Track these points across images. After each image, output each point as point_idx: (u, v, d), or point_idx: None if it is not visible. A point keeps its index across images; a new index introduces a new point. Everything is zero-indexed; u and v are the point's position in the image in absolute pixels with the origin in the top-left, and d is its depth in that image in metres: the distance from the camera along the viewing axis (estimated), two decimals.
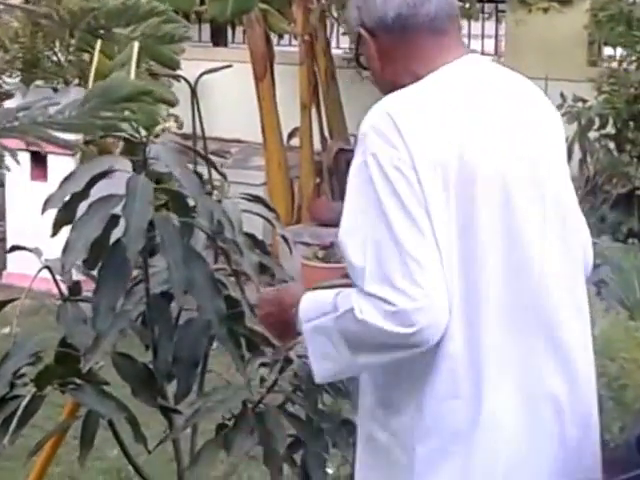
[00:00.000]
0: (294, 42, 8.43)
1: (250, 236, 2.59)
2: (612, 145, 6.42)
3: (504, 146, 1.98)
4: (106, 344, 2.35)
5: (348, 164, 7.61)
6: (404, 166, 1.88)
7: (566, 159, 2.15)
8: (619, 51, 7.04)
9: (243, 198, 2.67)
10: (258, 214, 2.70)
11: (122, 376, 2.52)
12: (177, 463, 2.59)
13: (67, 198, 2.31)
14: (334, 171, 7.82)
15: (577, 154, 6.55)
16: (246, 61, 7.27)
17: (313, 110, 7.69)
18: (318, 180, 7.77)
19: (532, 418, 1.95)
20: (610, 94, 6.21)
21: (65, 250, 2.25)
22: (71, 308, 2.49)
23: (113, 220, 2.30)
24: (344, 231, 1.94)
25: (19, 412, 2.36)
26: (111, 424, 2.57)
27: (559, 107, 6.45)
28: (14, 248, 2.60)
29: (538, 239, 1.97)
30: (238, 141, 8.34)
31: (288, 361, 2.33)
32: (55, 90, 6.32)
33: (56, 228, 2.36)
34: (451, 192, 1.90)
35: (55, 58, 6.46)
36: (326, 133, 7.88)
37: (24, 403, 2.37)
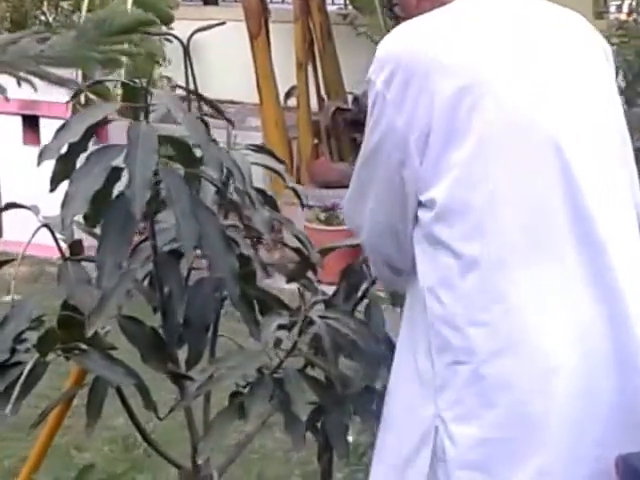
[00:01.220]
0: None
1: (259, 191, 2.43)
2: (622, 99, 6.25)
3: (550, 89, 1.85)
4: (112, 305, 2.19)
5: (346, 124, 7.51)
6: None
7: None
8: (627, 1, 6.87)
9: (248, 149, 2.51)
10: (266, 166, 2.54)
11: (130, 340, 2.36)
12: (190, 432, 2.44)
13: (64, 149, 2.14)
14: (332, 131, 7.66)
15: None
16: (240, 19, 7.08)
17: (310, 69, 7.52)
18: (316, 141, 7.60)
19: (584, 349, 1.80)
20: (619, 46, 6.03)
21: (64, 204, 2.08)
22: (72, 268, 2.32)
23: (115, 172, 2.13)
24: None
25: (21, 379, 2.20)
26: (119, 391, 2.42)
27: None
28: (10, 206, 2.43)
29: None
30: (232, 102, 8.15)
31: (309, 323, 2.16)
32: None
33: (54, 182, 2.19)
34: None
35: (43, 18, 6.28)
36: (323, 92, 7.71)
37: (27, 370, 2.21)
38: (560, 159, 1.80)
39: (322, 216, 6.52)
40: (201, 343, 2.40)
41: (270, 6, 7.55)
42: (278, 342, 2.39)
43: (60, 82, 1.51)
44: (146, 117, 2.19)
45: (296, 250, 2.60)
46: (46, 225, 2.37)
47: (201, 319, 2.37)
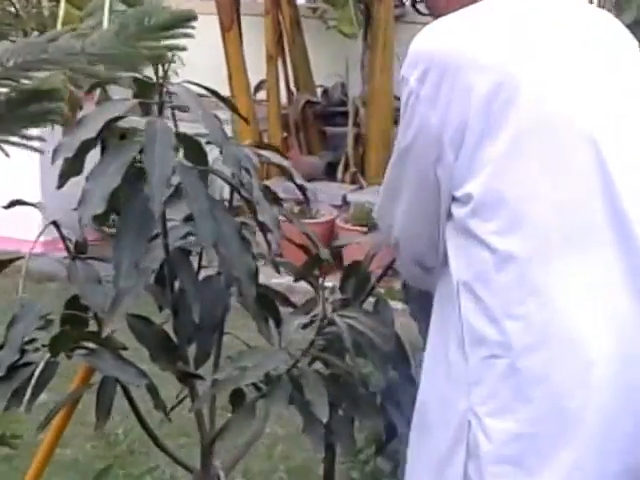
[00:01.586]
0: None
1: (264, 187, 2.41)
2: None
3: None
4: (126, 305, 2.15)
5: (316, 117, 7.47)
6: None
7: None
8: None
9: (251, 145, 2.48)
10: (271, 162, 2.51)
11: (139, 339, 2.33)
12: (200, 432, 2.40)
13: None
14: (301, 124, 7.63)
15: None
16: (212, 13, 7.02)
17: (280, 62, 7.49)
18: (285, 134, 7.57)
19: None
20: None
21: (81, 202, 2.04)
22: (82, 266, 2.28)
23: (131, 168, 2.10)
24: None
25: (33, 380, 2.16)
26: (126, 392, 2.39)
27: None
28: (14, 203, 2.38)
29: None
30: (200, 95, 8.09)
31: (328, 322, 2.13)
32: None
33: (63, 179, 2.15)
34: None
35: (12, 9, 6.17)
36: (292, 85, 7.69)
37: (39, 370, 2.17)
38: (596, 155, 1.79)
39: (295, 209, 6.49)
40: (210, 341, 2.37)
41: None
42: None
43: (112, 81, 1.47)
44: (160, 113, 2.16)
45: (302, 247, 2.58)
46: (54, 222, 2.33)
47: (210, 317, 2.35)
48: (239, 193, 2.24)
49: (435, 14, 1.97)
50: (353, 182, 7.21)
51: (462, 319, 1.84)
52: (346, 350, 2.09)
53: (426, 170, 1.86)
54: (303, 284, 2.97)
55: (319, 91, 7.75)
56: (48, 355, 2.22)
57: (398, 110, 6.93)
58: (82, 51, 1.43)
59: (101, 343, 2.25)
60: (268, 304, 2.43)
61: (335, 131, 7.54)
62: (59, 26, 5.08)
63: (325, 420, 2.04)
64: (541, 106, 1.80)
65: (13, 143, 1.25)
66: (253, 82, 7.33)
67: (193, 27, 1.54)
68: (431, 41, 1.85)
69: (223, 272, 2.29)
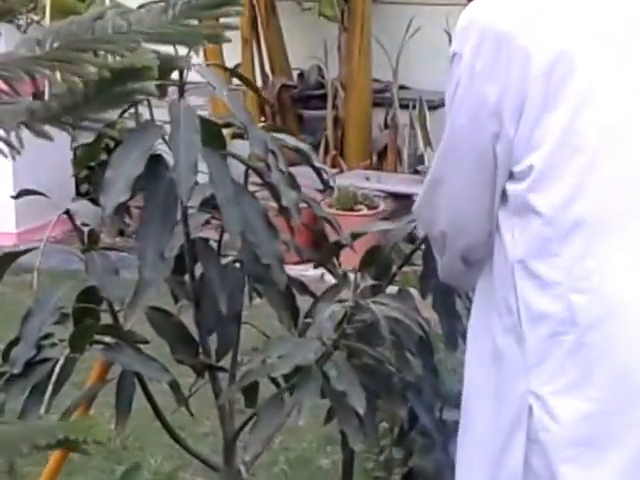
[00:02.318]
0: None
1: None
2: None
3: None
4: (149, 297, 2.06)
5: (292, 101, 7.37)
6: None
7: None
8: None
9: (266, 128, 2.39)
10: (287, 146, 2.42)
11: (158, 332, 2.24)
12: (222, 427, 2.32)
13: None
14: (277, 108, 7.53)
15: None
16: None
17: (255, 46, 7.38)
18: (263, 118, 7.46)
19: None
20: None
21: (104, 191, 1.94)
22: (99, 258, 2.18)
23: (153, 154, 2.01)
24: None
25: (54, 377, 2.06)
26: (144, 387, 2.30)
27: None
28: (24, 193, 2.27)
29: None
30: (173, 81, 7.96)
31: (359, 308, 2.05)
32: None
33: (79, 166, 2.06)
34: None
35: None
36: (268, 69, 7.57)
37: (58, 367, 2.07)
38: None
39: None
40: (232, 332, 2.29)
41: None
42: (304, 330, 2.30)
43: (170, 60, 1.37)
44: (181, 95, 2.07)
45: (318, 232, 2.50)
46: (67, 212, 2.23)
47: (231, 307, 2.26)
48: (261, 177, 2.15)
49: None
50: (333, 166, 7.12)
51: (519, 300, 1.77)
52: (381, 338, 2.00)
53: (483, 149, 1.79)
54: (311, 271, 2.90)
55: (295, 74, 7.64)
56: (67, 350, 2.12)
57: (377, 92, 6.89)
58: (130, 30, 1.33)
59: (121, 337, 2.16)
60: (285, 292, 2.35)
61: (312, 114, 7.44)
62: (47, 11, 4.96)
63: (362, 411, 1.96)
64: (602, 74, 1.75)
65: (85, 127, 1.15)
66: (230, 65, 7.20)
67: (241, 4, 1.45)
68: (482, 12, 1.78)
69: (244, 260, 2.21)
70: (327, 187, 2.48)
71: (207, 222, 2.21)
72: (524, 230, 1.77)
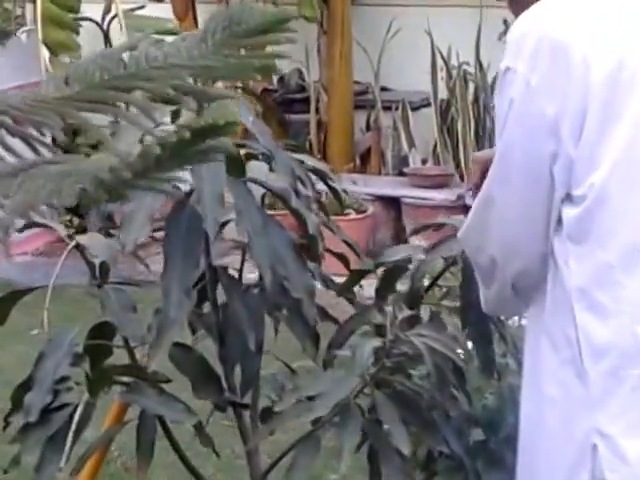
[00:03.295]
0: None
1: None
2: None
3: None
4: (173, 335, 1.94)
5: (276, 104, 7.17)
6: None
7: None
8: None
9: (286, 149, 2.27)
10: (308, 168, 2.30)
11: (179, 369, 2.12)
12: (250, 466, 2.19)
13: None
14: (260, 113, 7.40)
15: None
16: (165, 1, 6.76)
17: None
18: None
19: None
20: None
21: (124, 226, 1.82)
22: (115, 294, 2.05)
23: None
24: None
25: (73, 426, 1.93)
26: (163, 425, 2.17)
27: (502, 33, 6.16)
28: (30, 225, 2.13)
29: None
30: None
31: (399, 341, 1.93)
32: None
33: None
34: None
35: None
36: None
37: (78, 414, 1.94)
38: None
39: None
40: (256, 365, 2.17)
41: None
42: (330, 360, 2.19)
43: (223, 96, 1.24)
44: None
45: (340, 257, 2.38)
46: (77, 246, 2.10)
47: (243, 336, 2.13)
48: (285, 203, 2.03)
49: (518, 4, 1.79)
50: None
51: (579, 331, 1.66)
52: (428, 374, 1.89)
53: (539, 169, 1.67)
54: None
55: (275, 78, 7.52)
56: (86, 395, 1.99)
57: (358, 94, 6.74)
58: (169, 64, 1.20)
59: (140, 376, 2.03)
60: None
61: (295, 118, 7.32)
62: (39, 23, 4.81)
63: (407, 451, 1.85)
64: None
65: (152, 189, 1.02)
66: None
67: (294, 30, 1.33)
68: (535, 23, 1.67)
69: (268, 289, 2.08)
70: (342, 207, 2.36)
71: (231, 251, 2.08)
72: (582, 257, 1.65)
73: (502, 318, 2.31)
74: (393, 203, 6.30)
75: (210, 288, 2.05)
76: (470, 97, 6.30)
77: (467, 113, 6.27)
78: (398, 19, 6.54)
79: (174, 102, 1.15)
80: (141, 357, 2.16)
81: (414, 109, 6.59)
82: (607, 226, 1.62)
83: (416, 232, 2.31)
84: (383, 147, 6.83)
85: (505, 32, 6.15)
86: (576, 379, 1.66)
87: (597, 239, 1.63)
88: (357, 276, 2.31)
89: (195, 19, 6.91)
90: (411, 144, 6.60)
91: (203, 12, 7.05)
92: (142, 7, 6.94)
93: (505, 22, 6.15)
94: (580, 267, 1.65)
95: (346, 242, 2.31)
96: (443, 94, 6.40)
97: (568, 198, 1.65)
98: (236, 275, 2.15)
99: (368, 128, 7.00)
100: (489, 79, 6.33)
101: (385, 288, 2.31)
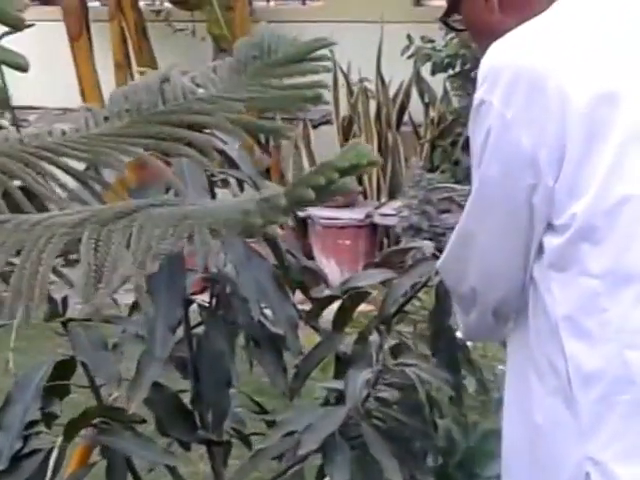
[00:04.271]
0: None
1: None
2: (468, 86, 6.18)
3: None
4: (153, 375, 1.85)
5: None
6: None
7: None
8: None
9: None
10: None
11: (150, 408, 2.03)
12: None
13: None
14: None
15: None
16: (58, 19, 6.60)
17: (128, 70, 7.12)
18: None
19: None
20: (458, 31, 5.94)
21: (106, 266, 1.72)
22: (85, 332, 1.96)
23: None
24: None
25: (49, 472, 1.83)
26: (129, 463, 2.07)
27: (406, 49, 6.19)
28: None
29: None
30: (31, 107, 7.62)
31: (386, 371, 1.89)
32: None
33: None
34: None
35: None
36: None
37: (52, 461, 1.84)
38: None
39: None
40: (227, 399, 2.09)
41: (90, 4, 7.08)
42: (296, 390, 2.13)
43: (278, 129, 1.17)
44: None
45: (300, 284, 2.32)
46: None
47: (221, 372, 2.06)
48: (265, 236, 1.96)
49: (484, 36, 1.77)
50: None
51: (567, 360, 1.64)
52: (420, 404, 1.85)
53: (518, 202, 1.65)
54: None
55: None
56: (60, 439, 1.89)
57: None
58: (216, 97, 1.14)
59: (113, 417, 1.94)
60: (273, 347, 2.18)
61: None
62: None
63: None
64: None
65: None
66: (106, 93, 6.94)
67: (328, 58, 1.28)
68: (509, 56, 1.64)
69: (241, 322, 2.02)
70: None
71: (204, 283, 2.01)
72: (566, 284, 1.64)
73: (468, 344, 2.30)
74: (299, 223, 6.27)
75: (185, 322, 1.98)
76: (372, 113, 6.31)
77: (369, 129, 6.29)
78: (300, 36, 6.51)
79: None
80: (107, 397, 2.08)
81: (315, 126, 6.57)
82: (591, 254, 1.60)
83: (386, 257, 2.26)
84: (284, 166, 6.79)
85: (408, 47, 6.19)
86: (565, 408, 1.64)
87: (581, 267, 1.61)
88: (324, 302, 2.26)
89: (90, 39, 6.76)
90: (313, 162, 6.57)
91: (97, 32, 6.92)
92: (30, 26, 6.76)
93: (409, 37, 6.18)
94: (565, 294, 1.63)
95: (309, 268, 2.26)
96: (344, 111, 6.41)
97: (550, 227, 1.64)
98: None
99: (268, 147, 6.96)
100: (391, 94, 6.36)
101: (343, 316, 2.27)
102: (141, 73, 7.18)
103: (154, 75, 1.21)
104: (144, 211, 0.89)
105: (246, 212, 0.85)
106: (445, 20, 1.89)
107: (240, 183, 1.89)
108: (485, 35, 1.77)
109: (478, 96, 1.65)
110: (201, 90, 1.22)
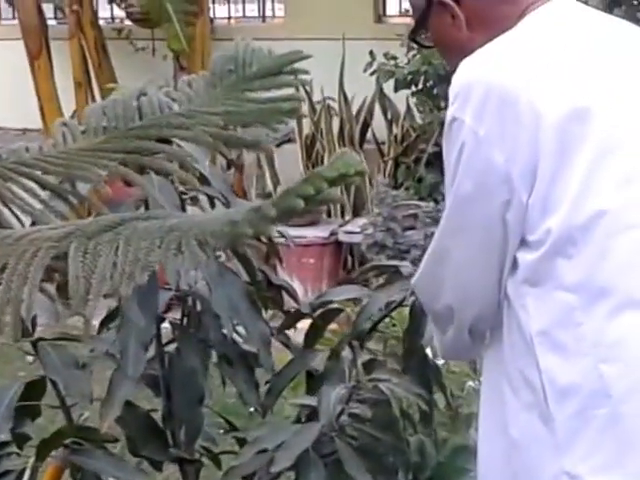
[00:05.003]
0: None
1: None
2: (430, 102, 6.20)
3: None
4: (125, 393, 1.84)
5: None
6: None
7: None
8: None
9: None
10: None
11: (123, 427, 2.01)
12: None
13: None
14: None
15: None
16: (17, 38, 6.56)
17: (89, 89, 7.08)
18: None
19: None
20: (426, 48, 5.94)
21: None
22: (54, 351, 1.94)
23: None
24: None
25: None
26: None
27: (369, 65, 6.20)
28: None
29: None
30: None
31: (360, 387, 1.89)
32: None
33: None
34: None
35: None
36: None
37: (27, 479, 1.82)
38: None
39: None
40: (200, 416, 2.08)
41: (50, 22, 7.05)
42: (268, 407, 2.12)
43: (255, 145, 1.16)
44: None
45: (273, 299, 2.32)
46: None
47: (194, 389, 2.05)
48: (236, 253, 1.96)
49: (452, 53, 1.78)
50: None
51: (542, 374, 1.64)
52: (393, 420, 1.85)
53: (492, 218, 1.65)
54: None
55: None
56: (32, 459, 1.87)
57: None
58: (194, 111, 1.13)
59: (88, 438, 1.92)
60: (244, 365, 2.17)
61: None
62: None
63: None
64: (614, 128, 1.64)
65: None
66: (67, 112, 6.90)
67: (306, 71, 1.27)
68: (481, 73, 1.64)
69: (212, 339, 2.01)
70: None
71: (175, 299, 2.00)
72: (541, 298, 1.64)
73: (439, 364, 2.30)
74: (263, 242, 6.24)
75: (157, 340, 1.96)
76: (335, 131, 6.31)
77: (333, 147, 6.28)
78: None
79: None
80: (77, 417, 2.06)
81: (278, 145, 6.56)
82: (566, 269, 1.61)
83: (363, 273, 2.25)
84: (246, 186, 6.77)
85: (371, 64, 6.20)
86: (541, 423, 1.64)
87: (556, 281, 1.62)
88: (294, 318, 2.25)
89: (49, 57, 6.72)
90: (276, 181, 6.55)
91: (57, 50, 6.89)
92: None
93: (371, 54, 6.19)
94: (540, 309, 1.64)
95: (281, 286, 2.25)
96: (307, 129, 6.40)
97: (523, 243, 1.64)
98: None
99: (229, 166, 6.93)
100: (354, 111, 6.37)
101: (315, 333, 2.26)
102: (103, 90, 7.17)
103: (131, 90, 1.20)
104: (129, 224, 0.88)
105: (234, 223, 0.84)
106: (413, 38, 1.89)
107: (211, 200, 1.88)
108: (454, 52, 1.77)
109: (450, 114, 1.65)
110: (175, 106, 1.21)
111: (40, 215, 1.00)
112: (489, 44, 1.69)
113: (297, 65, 1.27)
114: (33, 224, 1.51)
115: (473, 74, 1.65)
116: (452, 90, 1.66)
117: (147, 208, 1.81)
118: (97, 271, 0.84)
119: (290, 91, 1.24)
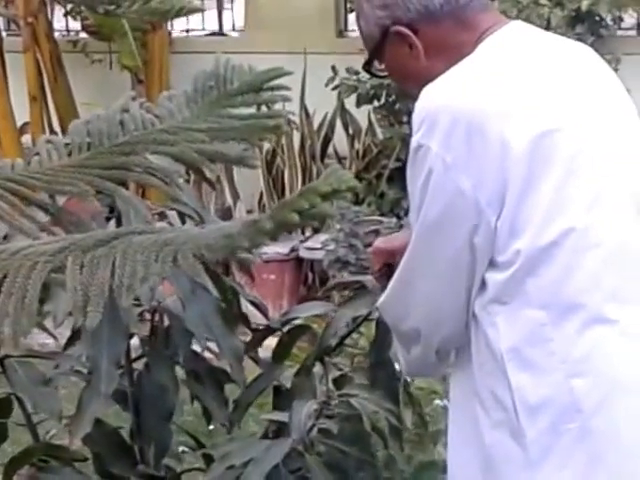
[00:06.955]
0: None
1: None
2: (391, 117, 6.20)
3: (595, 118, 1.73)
4: (95, 409, 1.82)
5: None
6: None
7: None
8: None
9: None
10: None
11: (92, 445, 1.99)
12: None
13: None
14: None
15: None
16: None
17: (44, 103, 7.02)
18: None
19: None
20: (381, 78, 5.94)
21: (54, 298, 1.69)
22: (21, 368, 1.92)
23: None
24: None
25: None
26: None
27: (331, 80, 6.19)
28: None
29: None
30: None
31: (331, 402, 1.88)
32: None
33: None
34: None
35: None
36: (57, 126, 7.22)
37: None
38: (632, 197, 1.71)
39: None
40: (169, 433, 2.06)
41: (4, 34, 6.98)
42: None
43: (241, 160, 1.15)
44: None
45: (242, 316, 2.31)
46: None
47: (163, 406, 2.03)
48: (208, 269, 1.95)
49: (411, 82, 1.77)
50: None
51: (513, 392, 1.65)
52: (363, 435, 1.84)
53: (460, 242, 1.66)
54: None
55: None
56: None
57: None
58: (177, 127, 1.13)
59: (57, 456, 1.90)
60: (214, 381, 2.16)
61: None
62: None
63: None
64: (581, 149, 1.67)
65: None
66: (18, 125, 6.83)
67: (287, 88, 1.27)
68: (446, 98, 1.64)
69: (183, 355, 2.00)
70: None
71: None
72: (511, 315, 1.65)
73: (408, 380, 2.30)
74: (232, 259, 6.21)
75: (126, 357, 1.95)
76: (296, 146, 6.29)
77: (294, 162, 6.26)
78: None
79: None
80: (44, 434, 2.04)
81: None
82: (535, 287, 1.63)
83: (327, 290, 2.26)
84: (205, 201, 6.75)
85: (333, 79, 6.19)
86: (512, 440, 1.66)
87: (525, 299, 1.63)
88: (261, 335, 2.25)
89: (4, 70, 6.66)
90: (236, 197, 6.53)
91: (12, 63, 6.83)
92: None
93: (333, 69, 6.18)
94: (510, 327, 1.65)
95: (252, 302, 2.25)
96: (267, 144, 6.38)
97: (492, 264, 1.65)
98: None
99: (188, 181, 6.91)
100: (315, 126, 6.36)
101: (283, 348, 2.26)
102: (59, 105, 7.11)
103: (116, 106, 1.19)
104: (124, 239, 0.88)
105: (230, 236, 0.85)
106: (368, 69, 1.88)
107: (182, 216, 1.87)
108: (412, 81, 1.76)
109: (415, 140, 1.65)
110: (157, 122, 1.20)
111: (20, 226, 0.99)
112: (450, 70, 1.68)
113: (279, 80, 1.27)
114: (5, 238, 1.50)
115: (439, 101, 1.64)
116: (417, 117, 1.65)
117: (119, 224, 1.80)
118: (95, 283, 0.83)
119: (275, 107, 1.24)
